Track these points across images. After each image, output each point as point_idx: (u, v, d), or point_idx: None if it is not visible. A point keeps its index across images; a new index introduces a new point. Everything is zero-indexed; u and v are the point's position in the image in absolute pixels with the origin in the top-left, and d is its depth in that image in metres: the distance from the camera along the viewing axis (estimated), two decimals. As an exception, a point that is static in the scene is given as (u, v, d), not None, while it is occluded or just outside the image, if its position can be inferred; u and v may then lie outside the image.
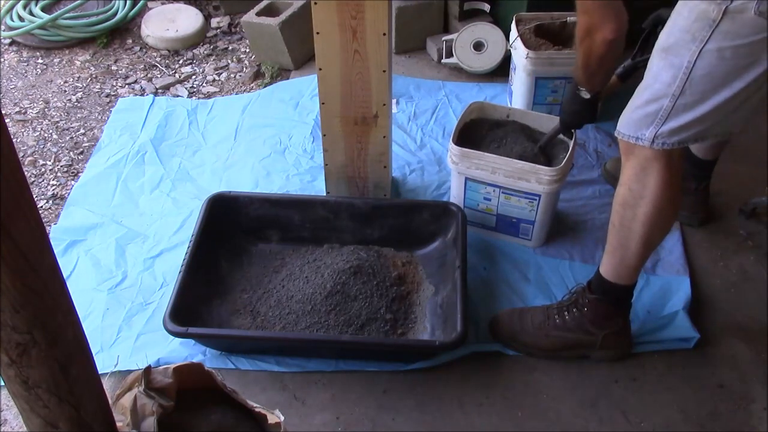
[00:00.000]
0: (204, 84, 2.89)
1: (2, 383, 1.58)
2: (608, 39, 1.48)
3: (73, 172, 2.46)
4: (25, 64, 3.00)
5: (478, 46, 2.70)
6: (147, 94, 2.80)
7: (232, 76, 2.95)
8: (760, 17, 1.25)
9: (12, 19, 3.04)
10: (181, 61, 3.02)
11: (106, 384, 1.62)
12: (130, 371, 1.56)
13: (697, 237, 2.13)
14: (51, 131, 2.65)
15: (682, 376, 1.78)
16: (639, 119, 1.46)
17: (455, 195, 2.09)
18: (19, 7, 3.06)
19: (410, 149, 2.44)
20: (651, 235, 1.56)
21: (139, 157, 2.43)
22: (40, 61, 3.02)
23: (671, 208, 1.55)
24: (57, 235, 2.14)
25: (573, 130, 1.95)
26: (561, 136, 1.99)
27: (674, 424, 1.68)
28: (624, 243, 1.59)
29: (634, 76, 1.97)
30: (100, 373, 1.03)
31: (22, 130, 2.65)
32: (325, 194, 2.20)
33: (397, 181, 2.31)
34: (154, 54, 3.07)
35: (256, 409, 1.27)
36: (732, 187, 2.25)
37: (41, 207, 2.31)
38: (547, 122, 2.06)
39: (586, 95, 1.74)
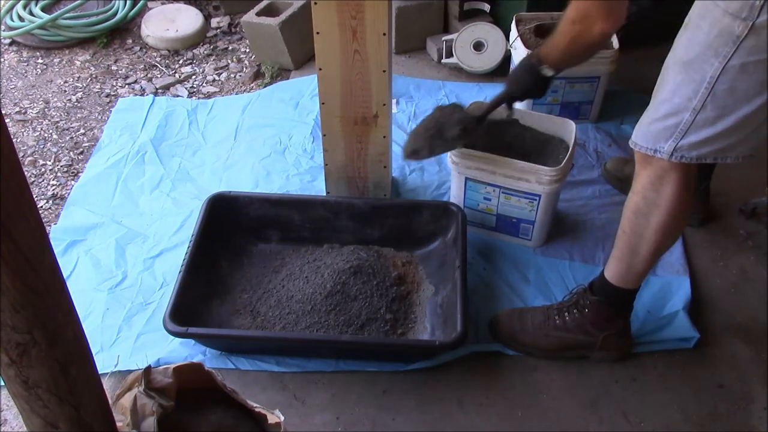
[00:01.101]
0: (204, 84, 2.89)
1: (2, 383, 1.59)
2: (607, 31, 1.47)
3: (73, 172, 2.46)
4: (25, 64, 3.00)
5: (478, 46, 2.70)
6: (147, 94, 2.80)
7: (232, 76, 2.95)
8: None
9: (12, 19, 3.04)
10: (181, 61, 3.02)
11: (106, 384, 1.61)
12: (130, 371, 1.56)
13: (697, 237, 2.13)
14: (51, 131, 2.65)
15: (682, 376, 1.78)
16: (658, 132, 1.44)
17: (455, 195, 2.09)
18: (19, 7, 3.06)
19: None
20: (662, 243, 1.57)
21: (139, 157, 2.43)
22: (40, 61, 3.02)
23: (683, 218, 1.55)
24: (57, 235, 2.14)
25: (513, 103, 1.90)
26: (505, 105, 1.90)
27: (674, 424, 1.68)
28: (634, 249, 1.59)
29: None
30: (100, 373, 1.03)
31: (22, 130, 2.65)
32: (325, 194, 2.20)
33: (397, 181, 2.31)
34: (154, 54, 3.07)
35: (256, 409, 1.27)
36: (732, 187, 2.25)
37: (41, 207, 2.31)
38: (546, 122, 2.06)
39: (548, 73, 1.71)
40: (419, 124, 1.93)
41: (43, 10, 3.06)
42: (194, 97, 2.80)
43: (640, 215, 1.54)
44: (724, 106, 1.35)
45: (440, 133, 1.87)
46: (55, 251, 0.85)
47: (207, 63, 3.01)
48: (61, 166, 2.48)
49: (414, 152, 1.90)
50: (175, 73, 2.95)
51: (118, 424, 1.12)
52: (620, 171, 2.23)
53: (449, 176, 2.13)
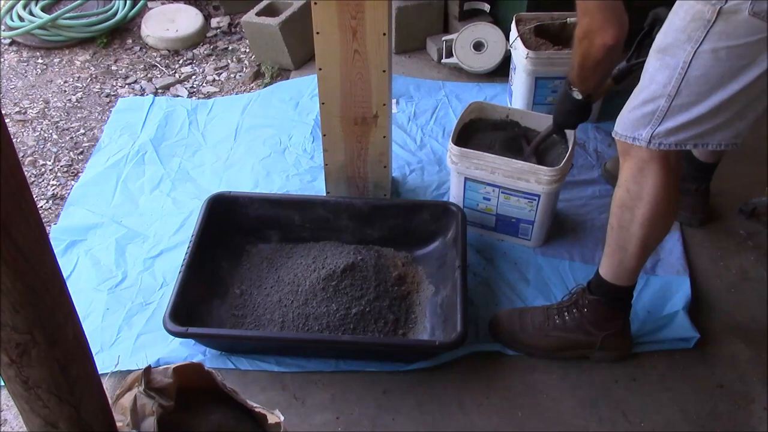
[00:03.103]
0: (204, 84, 2.89)
1: (2, 383, 1.58)
2: (608, 44, 1.47)
3: (73, 172, 2.46)
4: (25, 64, 3.00)
5: (478, 46, 2.70)
6: (147, 94, 2.80)
7: (232, 76, 2.95)
8: (755, 18, 1.25)
9: (12, 19, 3.04)
10: (181, 61, 3.02)
11: (106, 384, 1.62)
12: (130, 371, 1.56)
13: (697, 237, 2.13)
14: (51, 131, 2.65)
15: (682, 376, 1.78)
16: (636, 119, 1.46)
17: (455, 195, 2.09)
18: (19, 7, 3.06)
19: (410, 149, 2.44)
20: (649, 237, 1.56)
21: (139, 157, 2.43)
22: (40, 61, 3.02)
23: (669, 209, 1.55)
24: (57, 235, 2.14)
25: (566, 131, 1.95)
26: (556, 135, 2.00)
27: (674, 424, 1.68)
28: (623, 245, 1.59)
29: (629, 78, 1.96)
30: (100, 373, 1.03)
31: (22, 130, 2.65)
32: (325, 194, 2.20)
33: (397, 181, 2.31)
34: (154, 54, 3.07)
35: (256, 409, 1.27)
36: (732, 187, 2.25)
37: (41, 207, 2.31)
38: (546, 122, 2.05)
39: (578, 96, 1.72)
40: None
41: (43, 10, 3.06)
42: (194, 97, 2.80)
43: (625, 209, 1.55)
44: (699, 92, 1.36)
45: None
46: (55, 251, 0.85)
47: (207, 63, 3.01)
48: (61, 166, 2.48)
49: None
50: (175, 73, 2.95)
51: (118, 424, 1.12)
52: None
53: (449, 176, 2.13)
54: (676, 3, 1.36)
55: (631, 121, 1.47)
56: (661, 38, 1.39)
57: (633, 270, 1.64)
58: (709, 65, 1.32)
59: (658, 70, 1.39)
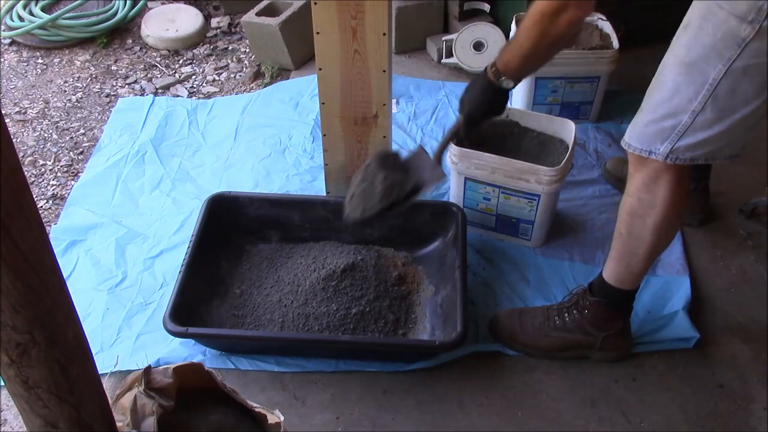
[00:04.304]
0: (204, 84, 2.89)
1: (2, 383, 1.59)
2: (579, 18, 1.40)
3: (73, 172, 2.46)
4: (25, 64, 3.00)
5: (478, 46, 2.70)
6: (147, 94, 2.80)
7: (232, 76, 2.95)
8: None
9: (12, 19, 3.04)
10: (181, 61, 3.02)
11: (106, 384, 1.62)
12: (130, 371, 1.56)
13: (697, 237, 2.13)
14: (51, 131, 2.65)
15: (682, 376, 1.78)
16: (654, 133, 1.43)
17: (455, 195, 2.09)
18: (19, 7, 3.06)
19: (410, 149, 2.44)
20: (659, 244, 1.57)
21: (139, 157, 2.43)
22: (40, 61, 3.02)
23: (679, 218, 1.56)
24: (57, 235, 2.14)
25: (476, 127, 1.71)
26: (463, 133, 1.73)
27: (674, 424, 1.68)
28: (632, 251, 1.59)
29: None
30: (100, 373, 1.03)
31: (22, 130, 2.65)
32: (325, 194, 2.20)
33: (397, 181, 2.31)
34: (154, 54, 3.07)
35: (256, 409, 1.27)
36: (732, 187, 2.25)
37: (41, 207, 2.31)
38: (546, 122, 2.06)
39: (509, 85, 1.55)
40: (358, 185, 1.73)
41: (43, 10, 3.06)
42: (194, 97, 2.80)
43: (636, 217, 1.54)
44: (724, 108, 1.34)
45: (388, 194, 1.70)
46: (55, 251, 0.85)
47: (207, 63, 3.01)
48: (61, 166, 2.48)
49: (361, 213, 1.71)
50: (175, 73, 2.95)
51: (118, 424, 1.12)
52: (620, 171, 2.22)
53: (449, 176, 2.13)
54: (697, 15, 1.32)
55: (648, 134, 1.44)
56: (684, 52, 1.35)
57: (639, 274, 1.65)
58: (738, 82, 1.30)
59: (682, 85, 1.36)
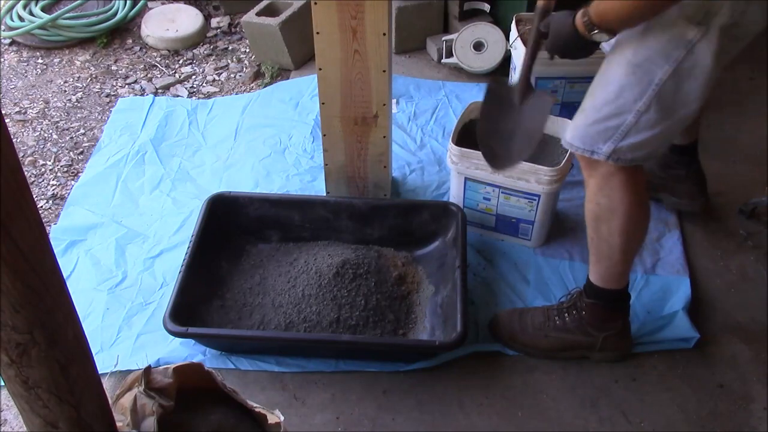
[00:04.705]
0: (204, 84, 2.89)
1: (2, 383, 1.59)
2: None
3: (73, 172, 2.46)
4: (25, 64, 3.00)
5: (478, 46, 2.70)
6: (147, 94, 2.80)
7: (232, 76, 2.95)
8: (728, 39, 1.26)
9: (12, 19, 3.04)
10: (181, 61, 3.02)
11: (106, 384, 1.62)
12: (130, 371, 1.56)
13: (697, 237, 2.13)
14: (51, 131, 2.65)
15: (682, 376, 1.78)
16: (597, 133, 1.43)
17: (455, 195, 2.09)
18: (19, 7, 3.06)
19: (410, 149, 2.44)
20: (629, 245, 1.57)
21: (139, 157, 2.43)
22: (40, 61, 3.02)
23: (642, 215, 1.55)
24: (57, 235, 2.14)
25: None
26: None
27: (674, 424, 1.68)
28: (606, 254, 1.60)
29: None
30: (100, 373, 1.03)
31: (22, 130, 2.65)
32: (325, 194, 2.20)
33: (397, 181, 2.31)
34: (154, 54, 3.07)
35: (256, 409, 1.27)
36: (732, 187, 2.25)
37: (41, 207, 2.31)
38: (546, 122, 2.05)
39: (602, 38, 1.39)
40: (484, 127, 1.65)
41: (43, 10, 3.06)
42: (194, 97, 2.80)
43: (600, 222, 1.55)
44: (667, 109, 1.35)
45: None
46: (55, 251, 0.85)
47: (207, 63, 3.01)
48: (61, 166, 2.48)
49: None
50: (175, 73, 2.95)
51: (118, 424, 1.12)
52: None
53: (449, 176, 2.13)
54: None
55: (591, 134, 1.44)
56: (631, 53, 1.35)
57: (622, 273, 1.65)
58: (683, 83, 1.32)
59: (628, 85, 1.36)
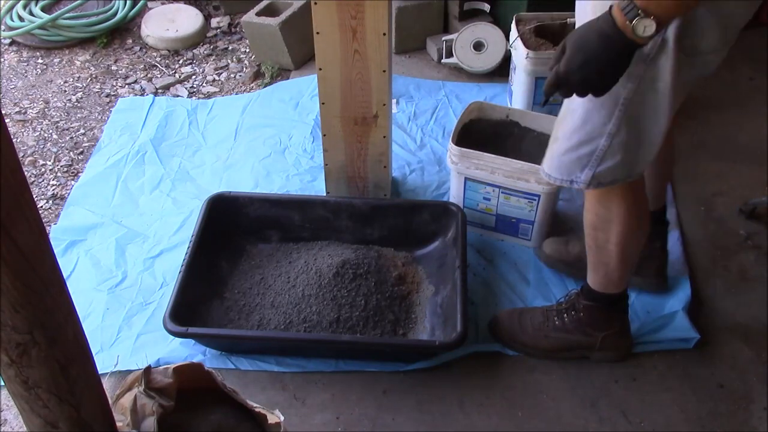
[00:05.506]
0: (204, 84, 2.89)
1: (2, 383, 1.59)
2: None
3: (73, 172, 2.46)
4: (25, 64, 3.00)
5: (478, 46, 2.70)
6: (147, 94, 2.80)
7: (232, 76, 2.95)
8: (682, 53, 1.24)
9: (12, 19, 3.04)
10: (181, 61, 3.02)
11: (106, 384, 1.62)
12: (130, 371, 1.56)
13: (697, 237, 2.13)
14: (51, 131, 2.65)
15: (682, 376, 1.78)
16: (571, 162, 1.40)
17: (455, 195, 2.09)
18: (19, 7, 3.06)
19: (410, 149, 2.44)
20: (627, 252, 1.57)
21: (139, 157, 2.43)
22: (40, 61, 3.02)
23: (641, 225, 1.55)
24: (57, 235, 2.14)
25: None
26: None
27: (674, 424, 1.68)
28: (603, 261, 1.60)
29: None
30: (100, 373, 1.03)
31: (22, 130, 2.65)
32: (325, 194, 2.20)
33: (397, 181, 2.31)
34: (154, 54, 3.07)
35: (256, 409, 1.27)
36: (732, 187, 2.25)
37: (41, 207, 2.31)
38: (546, 122, 2.06)
39: (649, 31, 1.11)
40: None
41: (43, 10, 3.06)
42: (194, 97, 2.80)
43: (598, 231, 1.55)
44: (638, 126, 1.33)
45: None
46: (55, 251, 0.85)
47: (207, 63, 3.01)
48: (61, 166, 2.48)
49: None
50: (175, 73, 2.95)
51: (118, 424, 1.12)
52: (564, 253, 1.98)
53: (449, 176, 2.13)
54: None
55: (566, 164, 1.41)
56: None
57: (620, 278, 1.65)
58: (649, 99, 1.29)
59: (593, 110, 1.33)
